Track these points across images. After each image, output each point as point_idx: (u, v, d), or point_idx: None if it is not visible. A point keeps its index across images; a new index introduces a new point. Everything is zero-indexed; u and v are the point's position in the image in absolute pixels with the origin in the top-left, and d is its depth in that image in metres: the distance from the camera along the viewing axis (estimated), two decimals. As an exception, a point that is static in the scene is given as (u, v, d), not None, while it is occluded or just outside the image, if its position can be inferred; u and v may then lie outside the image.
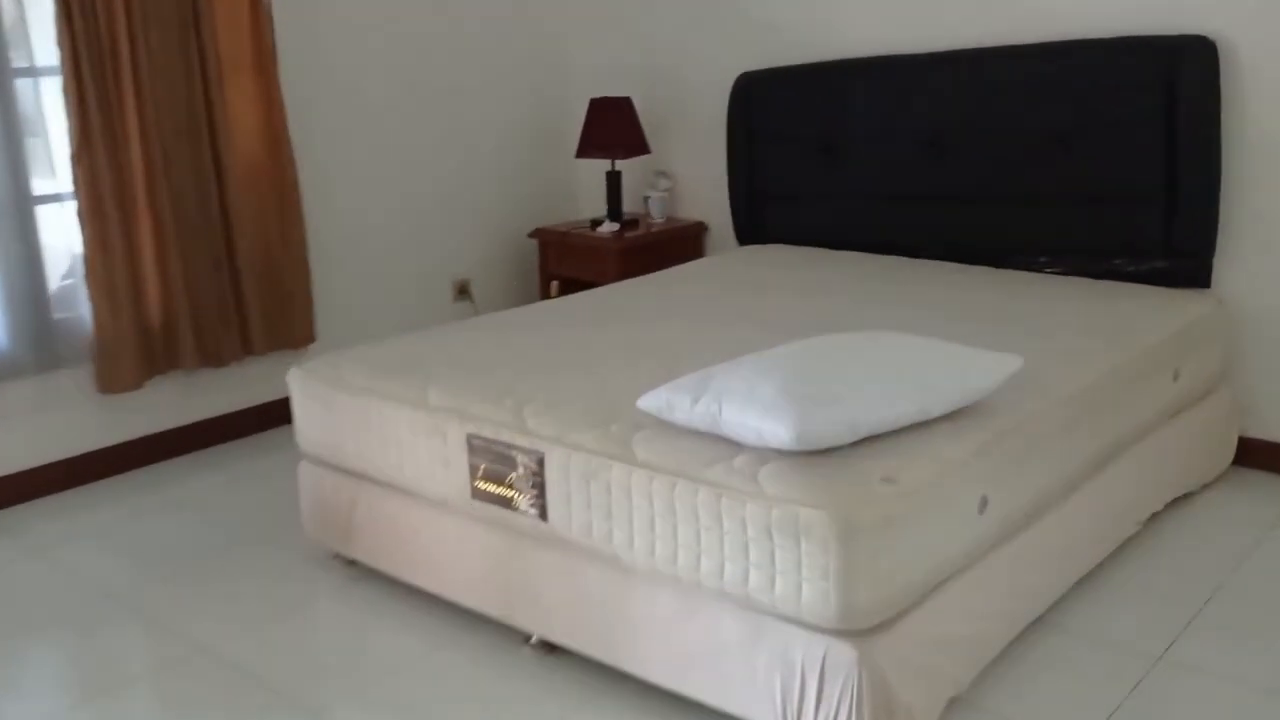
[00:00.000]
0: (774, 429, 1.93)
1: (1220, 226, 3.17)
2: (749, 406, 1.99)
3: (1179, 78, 3.11)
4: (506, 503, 2.33)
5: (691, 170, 4.44)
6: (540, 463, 2.25)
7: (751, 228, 4.16)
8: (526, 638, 2.44)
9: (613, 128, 4.19)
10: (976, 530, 2.14)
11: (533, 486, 2.27)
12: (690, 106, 4.37)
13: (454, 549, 2.51)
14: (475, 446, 2.36)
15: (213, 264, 3.53)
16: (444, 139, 4.30)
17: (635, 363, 2.63)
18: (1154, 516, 2.92)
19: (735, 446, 2.07)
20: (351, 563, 2.86)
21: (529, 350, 2.78)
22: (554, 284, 4.36)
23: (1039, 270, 3.48)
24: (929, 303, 3.11)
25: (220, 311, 3.58)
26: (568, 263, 4.32)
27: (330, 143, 3.94)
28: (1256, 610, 2.53)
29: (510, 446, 2.30)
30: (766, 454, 2.02)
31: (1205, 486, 3.15)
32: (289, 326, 3.79)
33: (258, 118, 3.60)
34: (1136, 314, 2.94)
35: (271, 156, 3.65)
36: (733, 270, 3.67)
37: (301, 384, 2.75)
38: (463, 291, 4.45)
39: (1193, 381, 2.99)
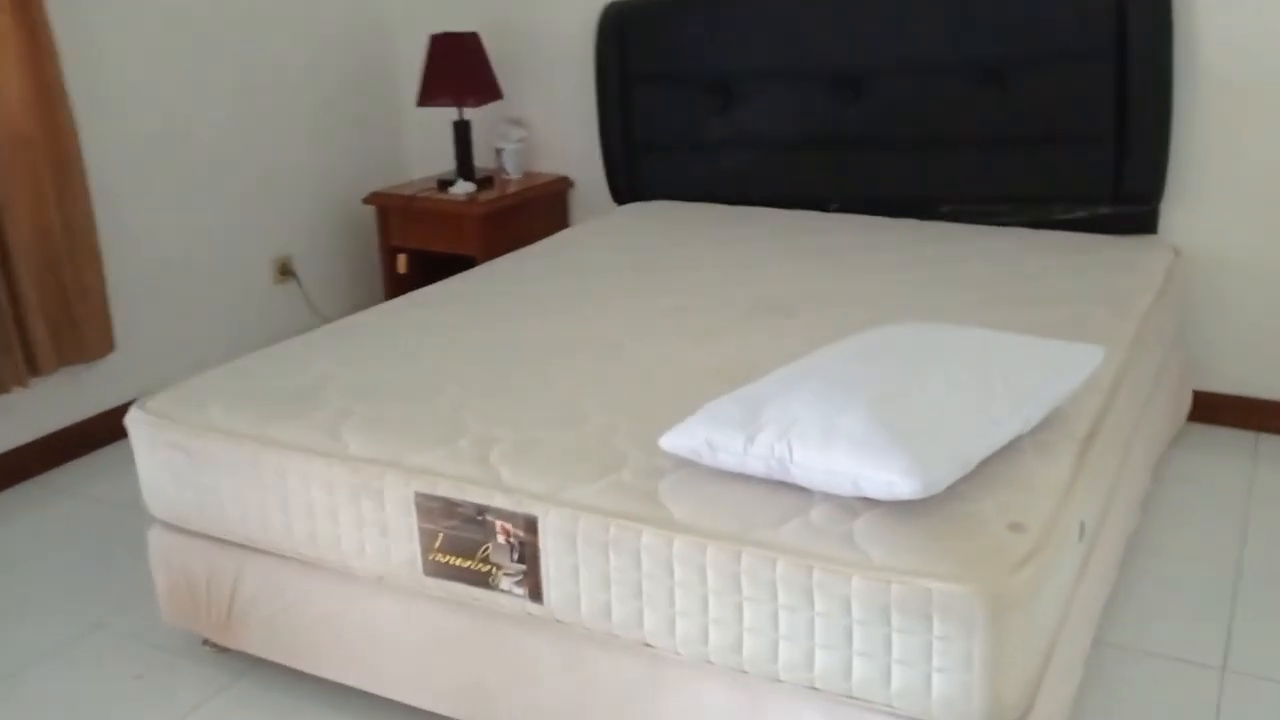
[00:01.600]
0: (884, 478, 1.47)
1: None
2: (834, 447, 1.52)
3: (1128, 7, 2.82)
4: (480, 579, 1.77)
5: (548, 117, 3.86)
6: (531, 528, 1.70)
7: (629, 183, 3.65)
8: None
9: (459, 70, 3.55)
10: (1074, 564, 1.77)
11: (519, 559, 1.73)
12: (543, 42, 3.77)
13: (393, 636, 1.93)
14: (429, 509, 1.79)
15: (-25, 264, 2.70)
16: (248, 92, 3.52)
17: (599, 373, 2.11)
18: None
19: (802, 493, 1.61)
20: (224, 650, 2.21)
21: (453, 361, 2.19)
22: (401, 257, 3.70)
23: (971, 221, 3.17)
24: (887, 267, 2.73)
25: (-5, 324, 2.75)
26: (414, 232, 3.67)
27: (112, 101, 3.11)
28: (1290, 595, 2.33)
29: (484, 509, 1.74)
30: (850, 503, 1.57)
31: (1169, 447, 2.95)
32: (79, 335, 2.99)
33: (23, 71, 2.76)
34: (1115, 270, 2.66)
35: (44, 121, 2.82)
36: (633, 236, 3.15)
37: (149, 431, 2.06)
38: (285, 271, 3.72)
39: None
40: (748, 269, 2.81)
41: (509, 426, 1.89)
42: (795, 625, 1.52)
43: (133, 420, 2.08)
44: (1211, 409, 3.08)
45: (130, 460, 2.86)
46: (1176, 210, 2.99)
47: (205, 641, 2.23)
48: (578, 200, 3.89)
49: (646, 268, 2.84)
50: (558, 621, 1.74)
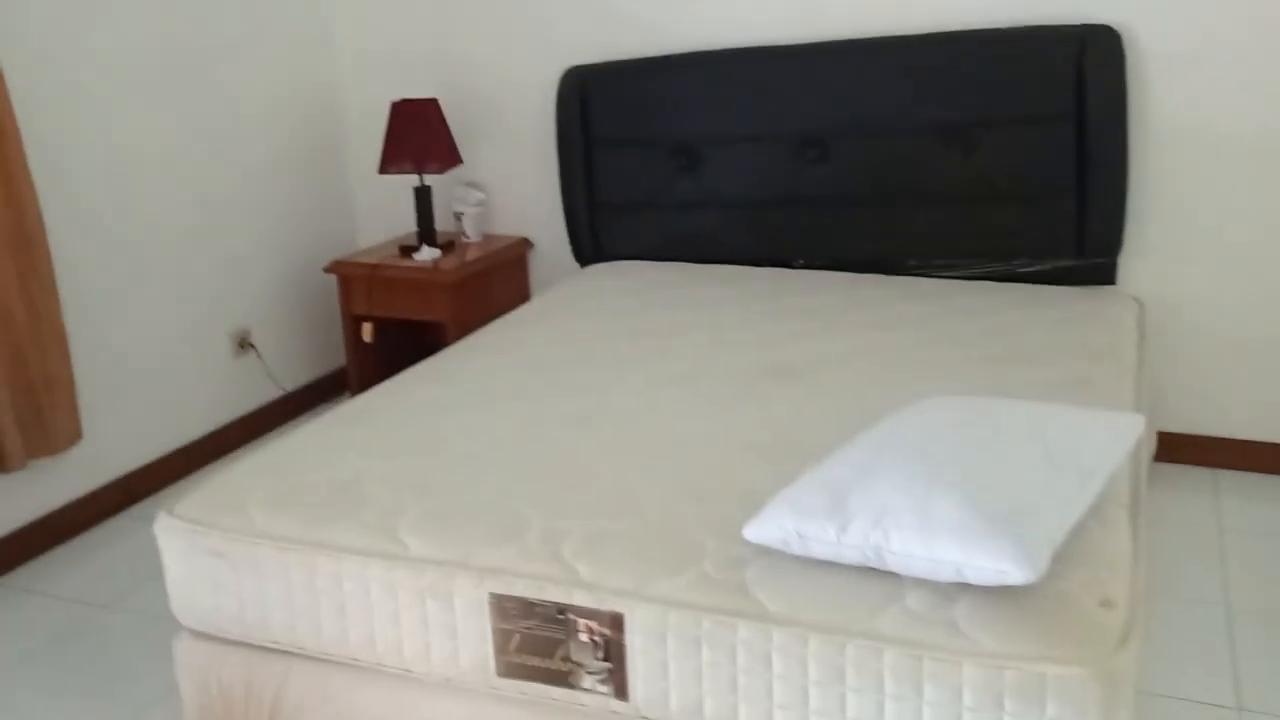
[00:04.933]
0: (995, 566, 1.51)
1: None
2: (934, 535, 1.55)
3: (1085, 68, 2.97)
4: (559, 678, 1.75)
5: (506, 180, 3.84)
6: (617, 625, 1.69)
7: (593, 244, 3.65)
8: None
9: (420, 136, 3.52)
10: (1132, 625, 1.84)
11: (604, 657, 1.71)
12: (500, 107, 3.76)
13: (458, 738, 1.89)
14: (505, 610, 1.76)
15: (-59, 358, 2.56)
16: (204, 164, 3.41)
17: (635, 451, 2.12)
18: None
19: (892, 579, 1.64)
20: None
21: (483, 446, 2.17)
22: (366, 326, 3.63)
23: (936, 275, 3.28)
24: (874, 325, 2.80)
25: (-42, 420, 2.60)
26: (379, 299, 3.60)
27: (69, 179, 2.98)
28: (1285, 631, 2.46)
29: (565, 608, 1.72)
30: (944, 587, 1.61)
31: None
32: (46, 426, 2.84)
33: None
34: (1090, 324, 2.78)
35: (7, 204, 2.68)
36: (612, 299, 3.16)
37: (184, 539, 1.97)
38: (243, 345, 3.60)
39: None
40: (737, 330, 2.85)
41: (570, 517, 1.88)
42: (903, 714, 1.55)
43: (164, 528, 1.99)
44: (1168, 448, 3.24)
45: (97, 553, 2.75)
46: (1135, 261, 3.15)
47: (234, 752, 2.14)
48: (538, 261, 3.88)
49: (637, 333, 2.85)
50: (643, 718, 1.72)
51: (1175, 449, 3.23)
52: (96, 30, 3.03)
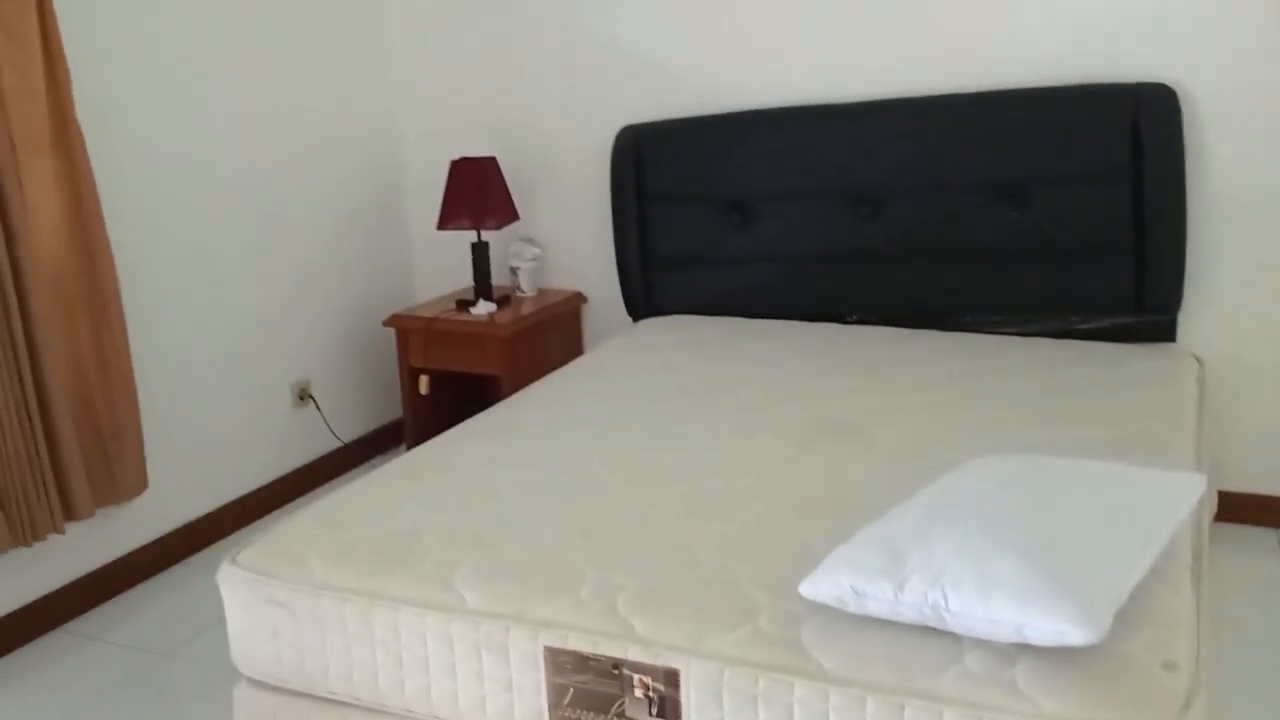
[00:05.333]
0: (1056, 627, 1.49)
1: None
2: (993, 595, 1.54)
3: (1143, 126, 2.96)
4: (614, 735, 1.75)
5: (561, 235, 3.90)
6: (672, 681, 1.69)
7: (646, 298, 3.69)
8: None
9: (478, 193, 3.59)
10: (1197, 690, 1.80)
11: (658, 713, 1.71)
12: (556, 165, 3.83)
13: (511, 792, 1.89)
14: (560, 664, 1.77)
15: (16, 408, 2.63)
16: (268, 219, 3.51)
17: (689, 506, 2.12)
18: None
19: (950, 638, 1.62)
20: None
21: (540, 499, 2.19)
22: (423, 379, 3.68)
23: (992, 331, 3.27)
24: (929, 381, 2.80)
25: (30, 469, 2.67)
26: (436, 353, 3.66)
27: (139, 232, 3.08)
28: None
29: (620, 663, 1.72)
30: (1004, 648, 1.59)
31: (1203, 550, 3.03)
32: (113, 476, 2.91)
33: (64, 209, 2.72)
34: (1150, 383, 2.75)
35: (84, 259, 2.77)
36: (665, 353, 3.18)
37: (245, 588, 2.01)
38: (303, 396, 3.67)
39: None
40: (790, 384, 2.86)
41: (624, 572, 1.89)
42: (962, 775, 1.53)
43: (226, 577, 2.03)
44: (1231, 507, 3.18)
45: (159, 601, 2.80)
46: (1194, 318, 3.12)
47: (289, 801, 2.15)
48: (591, 315, 3.92)
49: (691, 387, 2.87)
50: (698, 774, 1.72)
51: (1238, 508, 3.17)
52: (176, 108, 3.15)
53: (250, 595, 2.00)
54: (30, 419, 2.65)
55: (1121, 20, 3.02)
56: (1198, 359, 3.01)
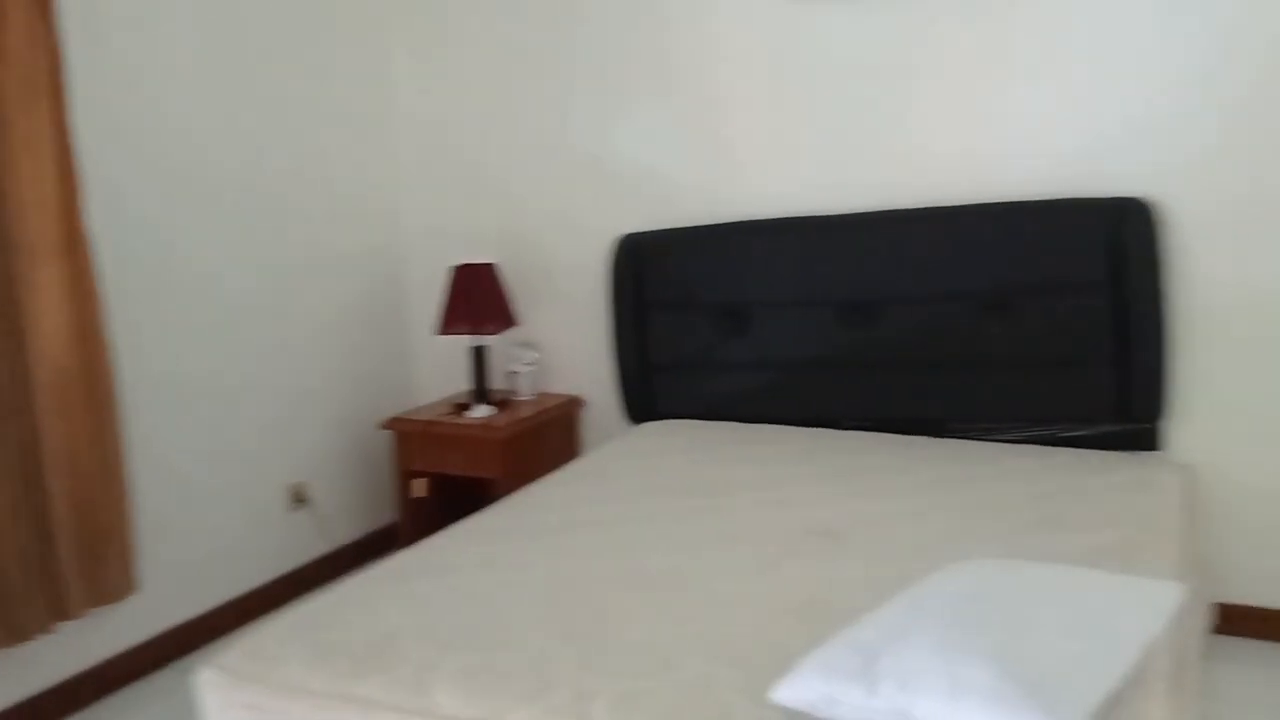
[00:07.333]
0: (1022, 736, 1.49)
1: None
2: (961, 699, 1.55)
3: (1122, 238, 3.03)
4: (586, 844, 1.73)
5: (559, 340, 3.97)
6: (644, 789, 1.68)
7: (643, 403, 3.73)
8: None
9: (479, 298, 3.67)
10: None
11: (631, 821, 1.70)
12: (555, 271, 3.92)
13: None
14: (532, 770, 1.76)
15: (12, 506, 2.66)
16: (266, 324, 3.58)
17: (672, 611, 2.13)
18: None
19: (922, 745, 1.62)
20: None
21: (523, 603, 2.19)
22: (416, 482, 3.71)
23: (979, 438, 3.29)
24: (917, 487, 2.81)
25: (24, 568, 2.69)
26: (432, 455, 3.69)
27: (141, 337, 3.15)
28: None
29: (592, 769, 1.72)
30: (975, 755, 1.58)
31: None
32: (105, 576, 2.93)
33: (68, 315, 2.79)
34: (1133, 490, 2.76)
35: (85, 362, 2.83)
36: (659, 458, 3.21)
37: (224, 693, 2.01)
38: (299, 499, 3.70)
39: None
40: (781, 490, 2.87)
41: (602, 677, 1.89)
42: None
43: (204, 682, 2.03)
44: (1231, 620, 3.15)
45: (143, 707, 2.77)
46: (1179, 426, 3.13)
47: None
48: (589, 419, 3.96)
49: (682, 492, 2.89)
50: None
51: (1237, 621, 3.14)
52: (179, 181, 3.25)
53: (226, 700, 2.00)
54: (27, 518, 2.69)
55: (1104, 139, 3.10)
56: (1184, 467, 3.02)
